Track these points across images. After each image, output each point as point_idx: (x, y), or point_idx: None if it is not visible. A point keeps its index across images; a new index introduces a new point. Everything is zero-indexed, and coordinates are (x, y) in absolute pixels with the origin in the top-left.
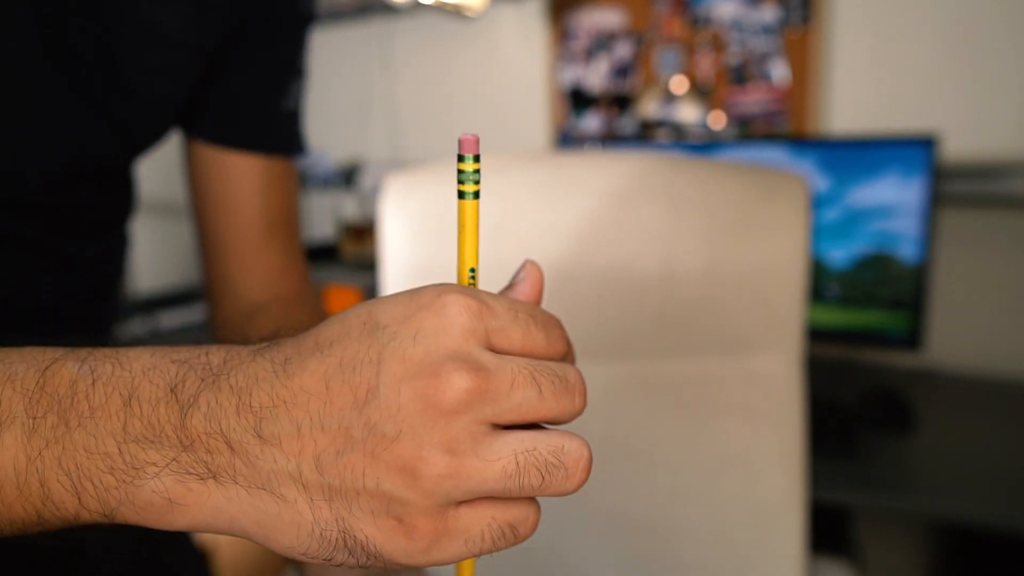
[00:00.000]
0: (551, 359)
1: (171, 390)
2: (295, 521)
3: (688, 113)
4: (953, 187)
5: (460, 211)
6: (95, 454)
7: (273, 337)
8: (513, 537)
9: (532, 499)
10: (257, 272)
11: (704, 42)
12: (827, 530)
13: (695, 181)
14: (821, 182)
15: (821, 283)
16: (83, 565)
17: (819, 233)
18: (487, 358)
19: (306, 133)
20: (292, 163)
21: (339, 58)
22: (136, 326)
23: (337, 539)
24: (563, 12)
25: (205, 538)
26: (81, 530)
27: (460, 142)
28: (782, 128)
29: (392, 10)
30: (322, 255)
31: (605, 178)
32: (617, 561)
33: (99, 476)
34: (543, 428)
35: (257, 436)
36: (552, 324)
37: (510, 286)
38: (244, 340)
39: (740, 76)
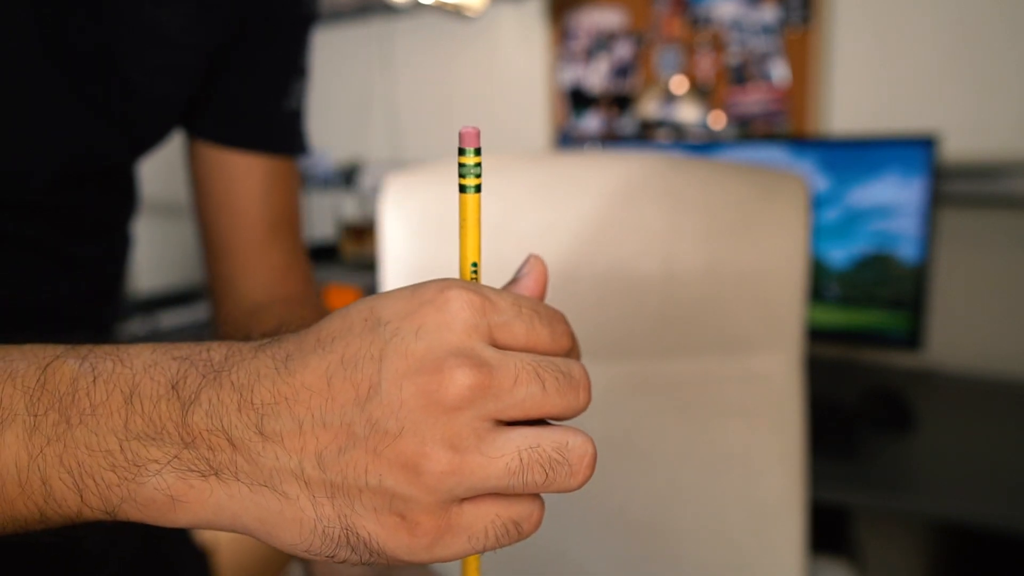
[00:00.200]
0: (555, 354)
1: (172, 387)
2: (297, 518)
3: (688, 113)
4: (953, 187)
5: (461, 205)
6: (97, 451)
7: (275, 333)
8: (517, 534)
9: (536, 496)
10: (260, 272)
11: (704, 42)
12: (827, 530)
13: (695, 181)
14: (821, 182)
15: (821, 283)
16: (84, 564)
17: (819, 233)
18: (490, 354)
19: (308, 133)
20: (294, 163)
21: (339, 58)
22: (136, 326)
23: (340, 536)
24: (563, 12)
25: (206, 537)
26: (82, 528)
27: (461, 135)
28: (782, 128)
29: (392, 10)
30: (322, 255)
31: (605, 178)
32: (617, 561)
33: (101, 473)
34: (547, 424)
35: (259, 433)
36: (557, 319)
37: (514, 281)
38: (246, 337)
39: (740, 76)
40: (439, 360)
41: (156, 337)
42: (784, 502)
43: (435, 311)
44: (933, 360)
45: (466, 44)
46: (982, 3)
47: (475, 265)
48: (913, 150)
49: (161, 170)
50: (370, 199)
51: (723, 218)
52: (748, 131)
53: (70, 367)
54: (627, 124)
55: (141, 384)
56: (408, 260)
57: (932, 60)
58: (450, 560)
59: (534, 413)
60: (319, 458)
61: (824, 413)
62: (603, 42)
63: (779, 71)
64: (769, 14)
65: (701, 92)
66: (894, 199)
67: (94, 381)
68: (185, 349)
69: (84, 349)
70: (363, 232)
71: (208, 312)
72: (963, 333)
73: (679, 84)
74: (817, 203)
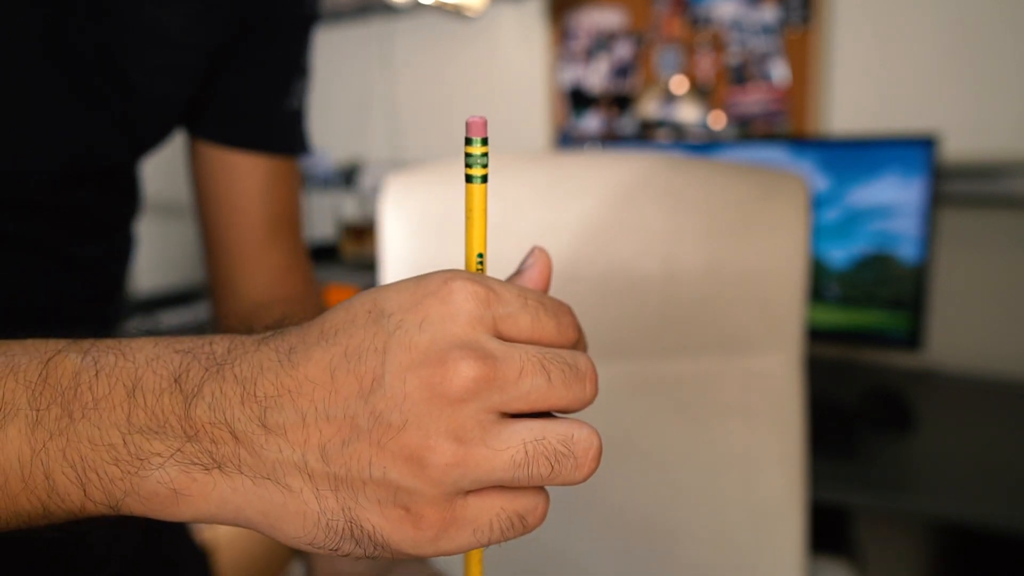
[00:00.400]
0: (562, 346)
1: (175, 380)
2: (301, 511)
3: (688, 113)
4: (953, 187)
5: (468, 195)
6: (99, 445)
7: (278, 326)
8: (522, 527)
9: (541, 489)
10: (261, 272)
11: (704, 42)
12: (827, 530)
13: (695, 181)
14: (821, 182)
15: (821, 283)
16: (85, 563)
17: (819, 233)
18: (495, 345)
19: (309, 133)
20: (296, 163)
21: (339, 58)
22: (136, 326)
23: (344, 529)
24: (563, 12)
25: (206, 536)
26: (85, 524)
27: (468, 124)
28: (782, 128)
29: (392, 10)
30: (322, 255)
31: (605, 178)
32: (617, 560)
33: (104, 467)
34: (552, 417)
35: (262, 426)
36: (563, 311)
37: (518, 272)
38: (248, 330)
39: (740, 76)
40: (443, 352)
41: (157, 329)
42: (784, 502)
43: (439, 303)
44: (933, 360)
45: (466, 44)
46: (982, 3)
47: (481, 256)
48: (913, 150)
49: (162, 170)
50: (370, 199)
51: (723, 218)
52: (748, 131)
53: (72, 361)
54: (627, 124)
55: (143, 377)
56: (408, 260)
57: (932, 60)
58: (454, 553)
59: (540, 405)
60: (323, 451)
61: (824, 413)
62: (603, 42)
63: (779, 71)
64: (769, 14)
65: (701, 92)
66: (894, 199)
67: (96, 375)
68: (188, 342)
69: (86, 343)
70: (363, 232)
71: (208, 312)
72: (963, 333)
73: (679, 84)
74: (817, 203)
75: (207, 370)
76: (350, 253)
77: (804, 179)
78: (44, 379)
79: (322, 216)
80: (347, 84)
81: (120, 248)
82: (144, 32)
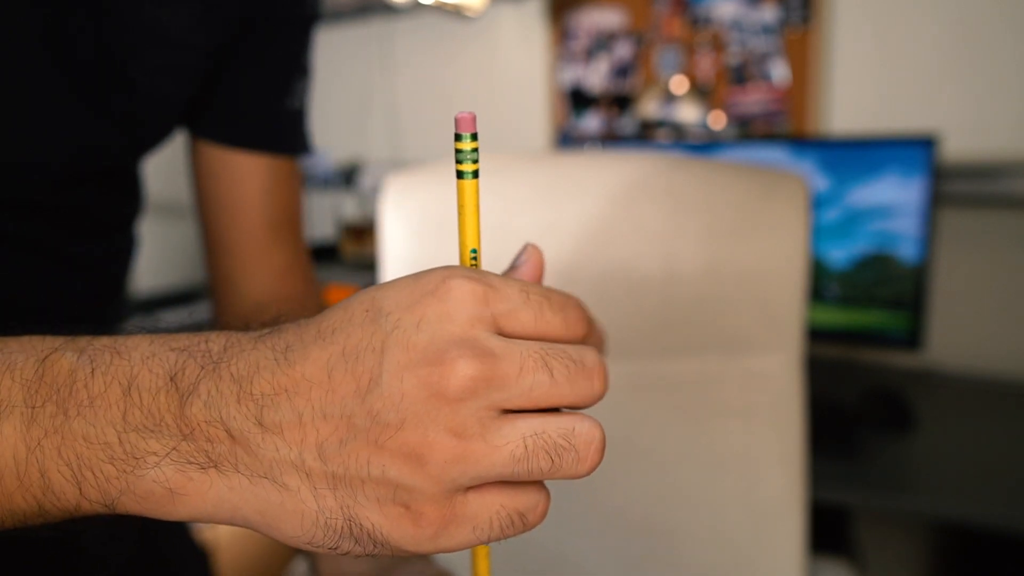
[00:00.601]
0: (570, 341)
1: (171, 378)
2: (299, 510)
3: (688, 113)
4: (953, 187)
5: (459, 191)
6: (95, 444)
7: (274, 323)
8: (522, 525)
9: (541, 486)
10: (261, 272)
11: (704, 42)
12: (827, 530)
13: (695, 181)
14: (821, 182)
15: (821, 283)
16: (83, 562)
17: (819, 233)
18: (495, 343)
19: (310, 132)
20: (297, 163)
21: (339, 58)
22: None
23: (343, 527)
24: (563, 12)
25: (206, 537)
26: (82, 523)
27: (456, 120)
28: (782, 128)
29: (392, 10)
30: (322, 255)
31: (605, 178)
32: (617, 560)
33: (99, 466)
34: (555, 412)
35: (259, 425)
36: (570, 305)
37: (512, 269)
38: (246, 327)
39: (740, 76)
40: (441, 351)
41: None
42: (784, 502)
43: (437, 301)
44: (933, 360)
45: (466, 44)
46: (982, 3)
47: (475, 252)
48: (913, 150)
49: (162, 170)
50: (370, 199)
51: (723, 218)
52: (748, 131)
53: (68, 359)
54: (627, 124)
55: (139, 376)
56: (408, 260)
57: (932, 60)
58: (455, 551)
59: (544, 402)
60: (320, 450)
61: (824, 413)
62: (603, 42)
63: (779, 71)
64: (769, 14)
65: (701, 92)
66: (894, 199)
67: (92, 373)
68: (184, 340)
69: (82, 341)
70: (363, 232)
71: (209, 312)
72: (963, 333)
73: (679, 84)
74: (817, 203)
75: (203, 368)
76: (350, 253)
77: (804, 179)
78: (40, 377)
79: (322, 216)
80: (347, 84)
81: (121, 248)
82: (144, 32)
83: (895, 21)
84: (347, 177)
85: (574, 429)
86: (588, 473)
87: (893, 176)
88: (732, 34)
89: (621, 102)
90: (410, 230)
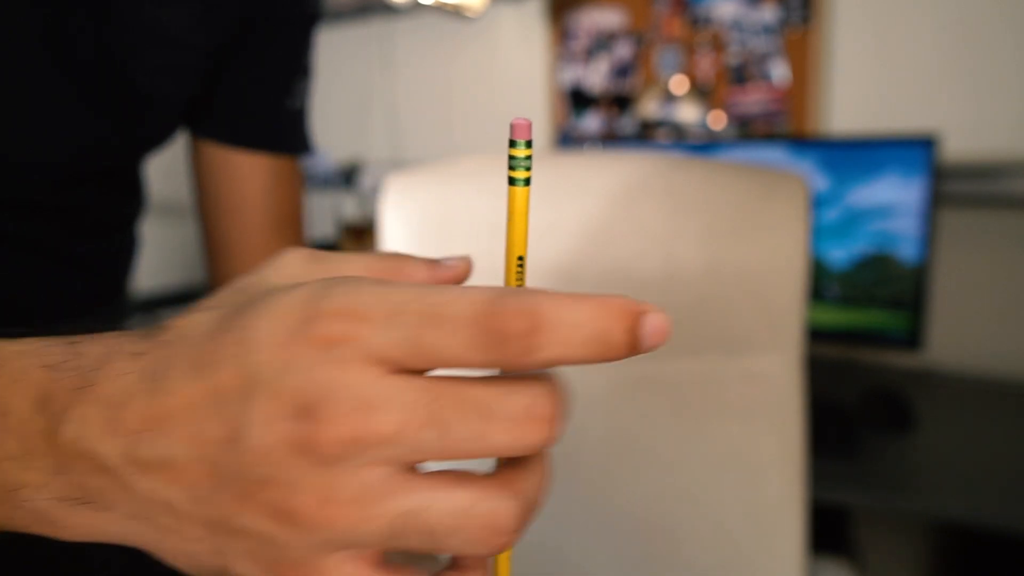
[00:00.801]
0: (506, 367)
1: (41, 403)
2: (177, 549)
3: (688, 113)
4: (953, 187)
5: (510, 198)
6: None
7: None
8: None
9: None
10: None
11: (704, 42)
12: (827, 530)
13: (695, 181)
14: (821, 182)
15: (821, 283)
16: (84, 563)
17: (819, 233)
18: (376, 390)
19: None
20: (298, 162)
21: (339, 58)
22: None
23: (220, 572)
24: (563, 12)
25: None
26: None
27: (512, 127)
28: (782, 128)
29: (392, 10)
30: None
31: (605, 178)
32: (617, 561)
33: None
34: (464, 475)
35: (131, 462)
36: (508, 313)
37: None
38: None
39: (740, 76)
40: (311, 404)
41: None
42: (784, 502)
43: (308, 337)
44: (933, 360)
45: (466, 44)
46: (982, 3)
47: (521, 259)
48: (913, 150)
49: (162, 170)
50: (370, 199)
51: (723, 218)
52: (748, 131)
53: None
54: (627, 124)
55: (11, 400)
56: None
57: (932, 60)
58: None
59: (441, 458)
60: (192, 493)
61: (824, 413)
62: (603, 42)
63: (779, 71)
64: (769, 14)
65: (701, 92)
66: (894, 199)
67: None
68: (57, 352)
69: None
70: (363, 232)
71: None
72: (963, 333)
73: (679, 84)
74: (817, 203)
75: (73, 392)
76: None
77: (804, 179)
78: None
79: (322, 216)
80: (347, 84)
81: (122, 248)
82: (145, 32)
83: (895, 21)
84: (347, 177)
85: (471, 508)
86: (488, 555)
87: (893, 176)
88: (732, 34)
89: (621, 102)
90: (410, 230)
